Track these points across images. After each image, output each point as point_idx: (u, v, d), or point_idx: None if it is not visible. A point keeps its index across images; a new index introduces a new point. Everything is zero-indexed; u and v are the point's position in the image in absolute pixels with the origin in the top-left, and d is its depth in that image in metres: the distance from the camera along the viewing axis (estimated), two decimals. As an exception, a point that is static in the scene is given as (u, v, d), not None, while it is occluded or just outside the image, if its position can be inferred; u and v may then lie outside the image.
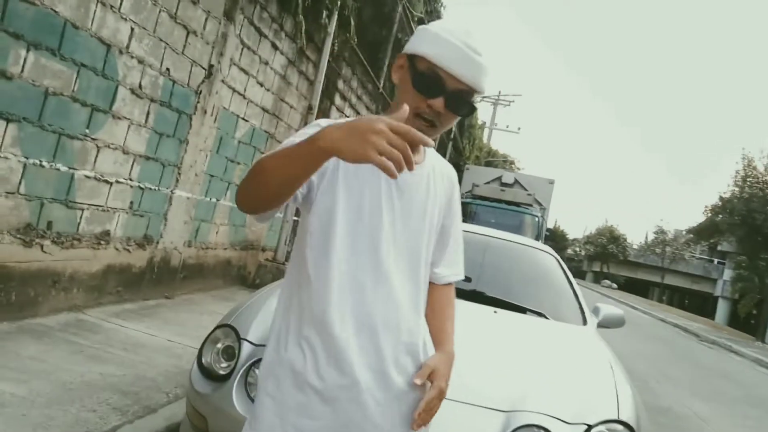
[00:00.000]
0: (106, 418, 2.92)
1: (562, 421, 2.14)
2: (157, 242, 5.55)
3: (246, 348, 2.36)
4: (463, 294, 3.26)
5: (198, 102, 5.64)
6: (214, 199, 6.47)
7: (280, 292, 1.37)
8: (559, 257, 4.22)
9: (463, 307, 3.19)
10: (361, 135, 0.94)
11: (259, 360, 2.30)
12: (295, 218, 8.67)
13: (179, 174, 5.63)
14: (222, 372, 2.35)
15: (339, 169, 1.27)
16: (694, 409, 6.96)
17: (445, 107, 1.26)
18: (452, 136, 22.57)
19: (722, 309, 43.91)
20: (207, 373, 2.39)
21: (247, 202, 1.17)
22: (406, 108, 1.03)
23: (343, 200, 1.26)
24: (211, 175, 6.28)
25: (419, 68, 1.27)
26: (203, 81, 5.65)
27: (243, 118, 6.65)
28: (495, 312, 3.19)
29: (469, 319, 3.13)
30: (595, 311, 3.72)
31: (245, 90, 6.53)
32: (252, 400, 2.21)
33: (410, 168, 0.96)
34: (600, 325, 3.65)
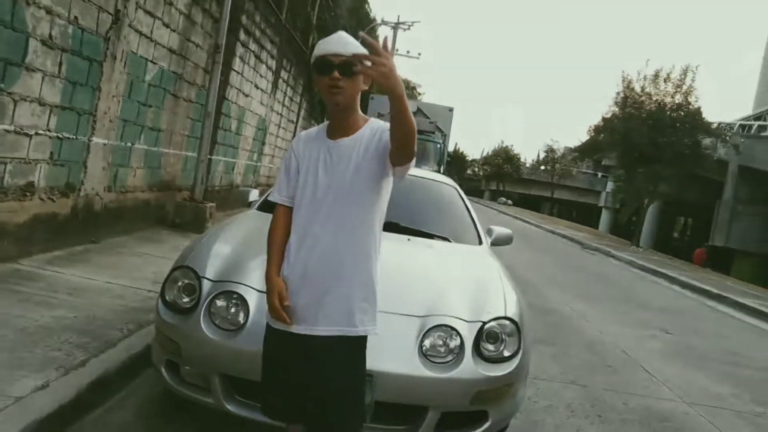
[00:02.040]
0: (72, 354, 3.28)
1: (464, 320, 2.78)
2: (79, 189, 5.68)
3: (206, 284, 2.79)
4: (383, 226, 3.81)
5: (107, 48, 5.67)
6: (129, 144, 6.57)
7: None
8: (459, 189, 4.86)
9: (382, 237, 3.77)
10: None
11: (219, 293, 2.75)
12: (209, 157, 8.84)
13: (95, 121, 5.71)
14: (186, 306, 2.78)
15: (302, 158, 2.17)
16: (575, 308, 8.10)
17: (340, 74, 1.96)
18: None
19: (605, 218, 47.92)
20: (172, 307, 2.81)
21: None
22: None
23: (302, 170, 2.16)
24: (125, 120, 6.36)
25: (316, 63, 2.02)
26: (111, 27, 5.66)
27: (151, 61, 6.68)
28: (408, 239, 3.78)
29: (387, 246, 3.70)
30: (489, 232, 4.42)
31: (152, 33, 6.54)
32: (217, 326, 2.67)
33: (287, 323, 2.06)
34: (493, 244, 4.37)
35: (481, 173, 76.66)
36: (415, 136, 1.87)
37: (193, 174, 8.23)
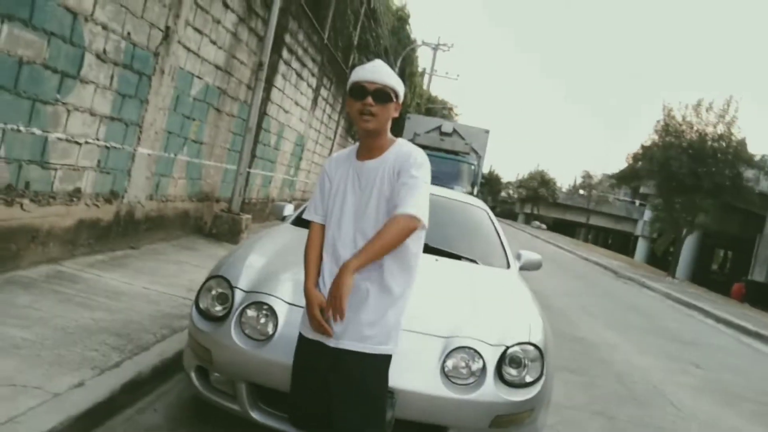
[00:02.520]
0: (108, 355, 3.43)
1: (487, 343, 2.82)
2: (122, 197, 5.90)
3: (238, 294, 2.90)
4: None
5: (156, 63, 5.91)
6: (172, 155, 6.80)
7: None
8: (489, 211, 4.91)
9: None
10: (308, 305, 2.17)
11: (250, 304, 2.86)
12: (248, 170, 9.07)
13: (141, 132, 5.95)
14: (218, 314, 2.89)
15: (334, 178, 2.30)
16: (605, 338, 7.99)
17: (373, 101, 2.10)
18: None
19: (641, 248, 46.97)
20: (204, 315, 2.92)
21: None
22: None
23: (332, 190, 2.29)
24: (169, 132, 6.60)
25: (352, 87, 2.16)
26: (161, 42, 5.91)
27: (197, 76, 6.93)
28: (436, 260, 3.84)
29: (415, 266, 3.79)
30: (518, 256, 4.45)
31: (199, 49, 6.79)
32: (247, 336, 2.77)
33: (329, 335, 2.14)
34: (521, 268, 4.39)
35: (515, 196, 76.13)
36: (392, 248, 2.06)
37: (231, 186, 8.45)
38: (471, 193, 16.95)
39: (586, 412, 4.67)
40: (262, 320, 2.82)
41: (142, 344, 3.72)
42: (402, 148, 2.20)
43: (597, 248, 43.09)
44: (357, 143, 2.27)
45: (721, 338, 11.03)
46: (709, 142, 22.80)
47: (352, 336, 2.11)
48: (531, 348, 2.90)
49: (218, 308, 2.94)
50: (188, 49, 6.52)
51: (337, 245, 2.16)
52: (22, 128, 4.32)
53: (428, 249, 3.97)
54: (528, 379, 2.83)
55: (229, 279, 2.98)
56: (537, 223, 63.02)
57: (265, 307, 2.84)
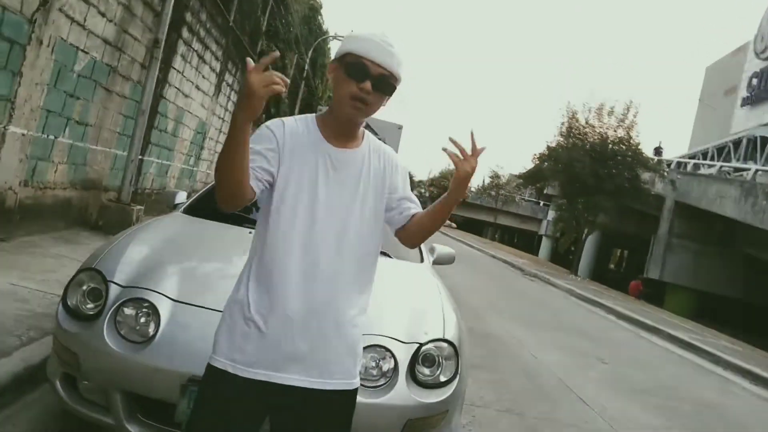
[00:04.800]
0: (-46, 363, 2.88)
1: (399, 341, 2.56)
2: (-10, 182, 5.19)
3: (113, 290, 2.48)
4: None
5: (33, 32, 5.24)
6: (52, 136, 6.10)
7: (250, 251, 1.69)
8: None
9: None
10: (245, 96, 1.38)
11: (128, 300, 2.45)
12: (141, 157, 8.39)
13: (13, 109, 5.25)
14: (90, 312, 2.46)
15: (286, 156, 1.63)
16: (513, 333, 8.01)
17: (372, 88, 1.60)
18: (305, 74, 22.43)
19: (545, 246, 48.92)
20: (73, 313, 2.48)
21: (224, 196, 1.54)
22: (269, 57, 1.40)
23: (291, 180, 1.63)
24: (49, 111, 5.90)
25: (349, 61, 1.61)
26: (38, 9, 5.24)
27: (83, 50, 6.26)
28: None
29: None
30: (431, 251, 4.24)
31: (85, 20, 6.13)
32: (123, 337, 2.36)
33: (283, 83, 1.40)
34: (435, 262, 4.18)
35: (427, 194, 77.33)
36: (437, 229, 1.80)
37: (121, 174, 7.75)
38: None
39: (496, 410, 4.54)
40: (142, 320, 2.43)
41: (3, 349, 3.18)
42: (374, 141, 1.80)
43: (504, 246, 44.41)
44: (310, 116, 1.75)
45: (623, 334, 11.44)
46: (610, 145, 23.93)
47: (322, 372, 1.62)
48: (445, 345, 2.68)
49: (90, 306, 2.51)
50: (72, 19, 5.86)
51: (312, 244, 1.60)
52: None
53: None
54: (442, 378, 2.60)
55: (103, 272, 2.56)
56: (447, 221, 64.22)
57: (146, 304, 2.44)
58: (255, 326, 1.59)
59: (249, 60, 1.40)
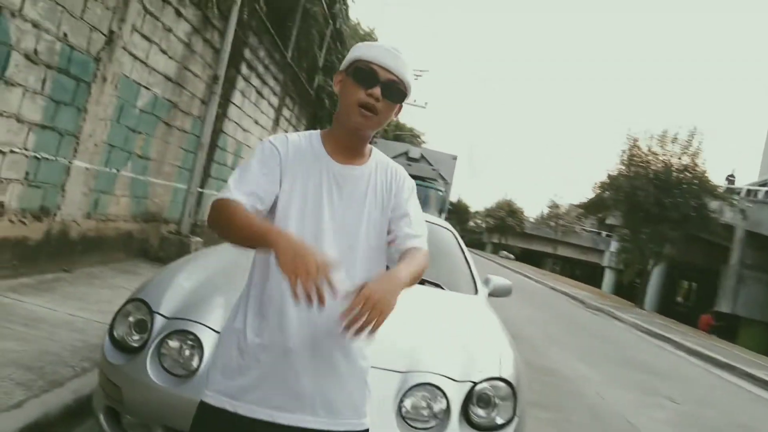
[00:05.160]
0: (10, 393, 2.90)
1: (451, 379, 2.40)
2: (55, 214, 5.36)
3: (158, 321, 2.44)
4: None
5: (98, 69, 5.45)
6: (114, 170, 6.29)
7: (249, 275, 1.58)
8: (456, 233, 4.53)
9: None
10: (294, 261, 1.23)
11: (172, 332, 2.40)
12: (200, 190, 8.57)
13: (78, 143, 5.44)
14: (135, 344, 2.42)
15: (288, 173, 1.53)
16: (576, 369, 7.64)
17: (382, 95, 1.52)
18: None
19: (609, 278, 47.33)
20: (119, 345, 2.45)
21: (221, 236, 1.45)
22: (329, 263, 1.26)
23: (293, 198, 1.52)
24: (112, 145, 6.10)
25: (358, 67, 1.54)
26: (103, 47, 5.45)
27: (145, 87, 6.47)
28: (396, 283, 3.42)
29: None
30: (486, 282, 4.06)
31: (147, 58, 6.35)
32: (166, 370, 2.31)
33: (321, 303, 1.23)
34: (490, 294, 4.00)
35: (483, 225, 76.45)
36: (415, 283, 1.49)
37: (181, 207, 7.92)
38: (439, 220, 16.64)
39: (560, 452, 4.27)
40: (186, 352, 2.37)
41: (56, 380, 3.19)
42: (382, 158, 1.69)
43: (564, 278, 43.21)
44: (313, 132, 1.64)
45: (694, 370, 10.79)
46: (675, 173, 23.07)
47: (326, 411, 1.49)
48: (502, 384, 2.50)
49: (135, 337, 2.47)
50: (135, 57, 6.07)
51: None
52: (-70, 132, 3.81)
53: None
54: (498, 420, 2.42)
55: (149, 303, 2.53)
56: (505, 252, 63.18)
57: (191, 336, 2.39)
58: (254, 359, 1.45)
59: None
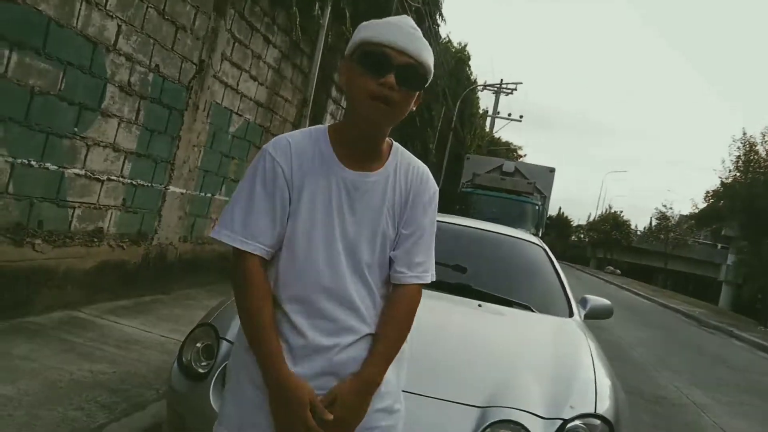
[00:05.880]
0: (93, 416, 2.95)
1: (537, 416, 2.14)
2: (152, 238, 5.57)
3: (224, 347, 2.37)
4: (448, 287, 3.28)
5: (189, 98, 5.64)
6: (208, 194, 6.49)
7: None
8: (547, 248, 4.23)
9: (447, 300, 3.23)
10: (287, 407, 1.27)
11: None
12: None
13: (172, 170, 5.64)
14: (201, 370, 2.36)
15: (295, 189, 1.35)
16: (691, 397, 6.96)
17: (397, 83, 1.27)
18: (452, 126, 22.51)
19: (726, 294, 43.79)
20: (186, 371, 2.40)
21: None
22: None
23: (300, 217, 1.34)
24: (206, 171, 6.29)
25: (366, 51, 1.29)
26: (194, 77, 5.65)
27: (236, 113, 6.65)
28: (479, 305, 3.20)
29: (452, 312, 3.15)
30: (582, 302, 3.72)
31: (238, 84, 6.53)
32: (230, 398, 2.23)
33: None
34: (587, 317, 3.66)
35: (586, 240, 73.34)
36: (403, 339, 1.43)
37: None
38: (536, 235, 16.05)
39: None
40: (254, 380, 2.27)
41: (139, 402, 3.24)
42: (403, 158, 1.45)
43: (676, 294, 40.40)
44: (319, 129, 1.41)
45: (831, 398, 9.58)
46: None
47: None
48: (597, 422, 2.20)
49: (203, 363, 2.41)
50: (225, 84, 6.25)
51: (331, 292, 1.34)
52: (33, 163, 4.04)
53: (471, 292, 3.35)
54: (594, 463, 2.13)
55: (217, 328, 2.47)
56: (611, 268, 60.14)
57: (258, 363, 2.29)
58: (266, 395, 1.31)
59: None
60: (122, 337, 4.25)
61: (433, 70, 1.36)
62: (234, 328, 2.45)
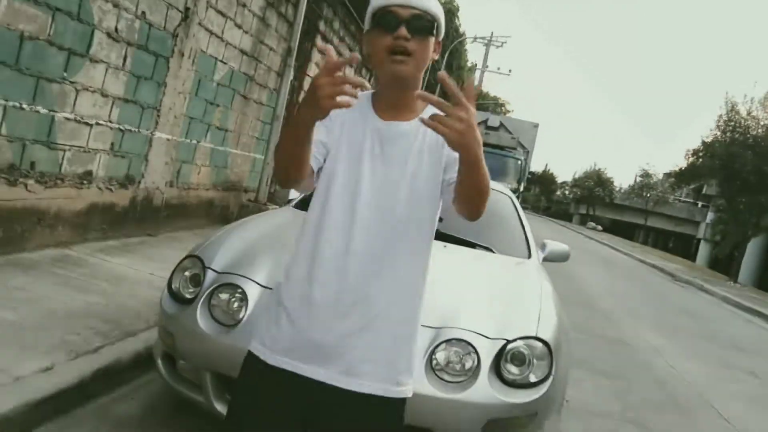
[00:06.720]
0: (89, 340, 3.23)
1: (484, 336, 2.46)
2: (139, 182, 5.78)
3: (209, 275, 2.65)
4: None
5: (175, 45, 5.76)
6: (194, 141, 6.66)
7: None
8: (513, 197, 4.51)
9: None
10: (311, 97, 1.21)
11: (222, 285, 2.60)
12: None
13: (158, 116, 5.81)
14: (188, 296, 2.64)
15: (336, 131, 1.50)
16: (649, 341, 7.42)
17: (409, 32, 1.42)
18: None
19: (704, 251, 44.82)
20: (175, 297, 2.69)
21: (281, 178, 1.47)
22: (344, 58, 1.20)
23: (339, 158, 1.50)
24: (191, 117, 6.45)
25: (377, 16, 1.46)
26: (180, 24, 5.75)
27: (221, 61, 6.77)
28: (444, 246, 3.48)
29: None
30: (542, 246, 4.04)
31: (223, 32, 6.62)
32: (215, 320, 2.51)
33: (354, 90, 1.19)
34: (545, 259, 3.98)
35: (570, 196, 74.13)
36: (486, 199, 1.37)
37: (259, 176, 8.27)
38: (517, 190, 16.43)
39: (617, 420, 4.23)
40: (235, 304, 2.56)
41: (131, 330, 3.52)
42: (436, 112, 1.53)
43: (655, 251, 41.31)
44: (365, 93, 1.54)
45: (786, 347, 10.18)
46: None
47: (358, 371, 1.44)
48: (538, 344, 2.53)
49: (190, 290, 2.70)
50: (210, 32, 6.36)
51: (352, 227, 1.45)
52: (25, 106, 4.21)
53: (438, 235, 3.63)
54: (532, 378, 2.46)
55: (203, 259, 2.74)
56: (592, 224, 61.07)
57: (239, 290, 2.58)
58: (285, 312, 1.48)
59: (329, 48, 1.24)
60: (112, 274, 4.51)
61: (441, 17, 1.51)
62: (219, 259, 2.73)
